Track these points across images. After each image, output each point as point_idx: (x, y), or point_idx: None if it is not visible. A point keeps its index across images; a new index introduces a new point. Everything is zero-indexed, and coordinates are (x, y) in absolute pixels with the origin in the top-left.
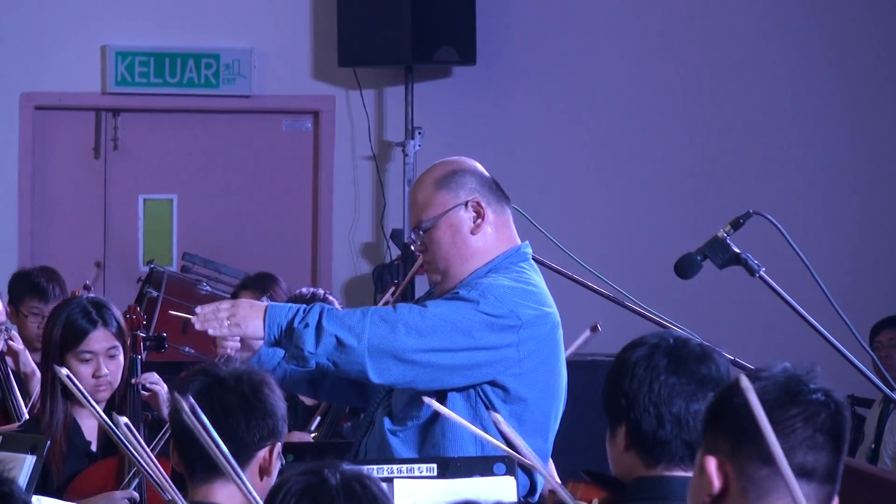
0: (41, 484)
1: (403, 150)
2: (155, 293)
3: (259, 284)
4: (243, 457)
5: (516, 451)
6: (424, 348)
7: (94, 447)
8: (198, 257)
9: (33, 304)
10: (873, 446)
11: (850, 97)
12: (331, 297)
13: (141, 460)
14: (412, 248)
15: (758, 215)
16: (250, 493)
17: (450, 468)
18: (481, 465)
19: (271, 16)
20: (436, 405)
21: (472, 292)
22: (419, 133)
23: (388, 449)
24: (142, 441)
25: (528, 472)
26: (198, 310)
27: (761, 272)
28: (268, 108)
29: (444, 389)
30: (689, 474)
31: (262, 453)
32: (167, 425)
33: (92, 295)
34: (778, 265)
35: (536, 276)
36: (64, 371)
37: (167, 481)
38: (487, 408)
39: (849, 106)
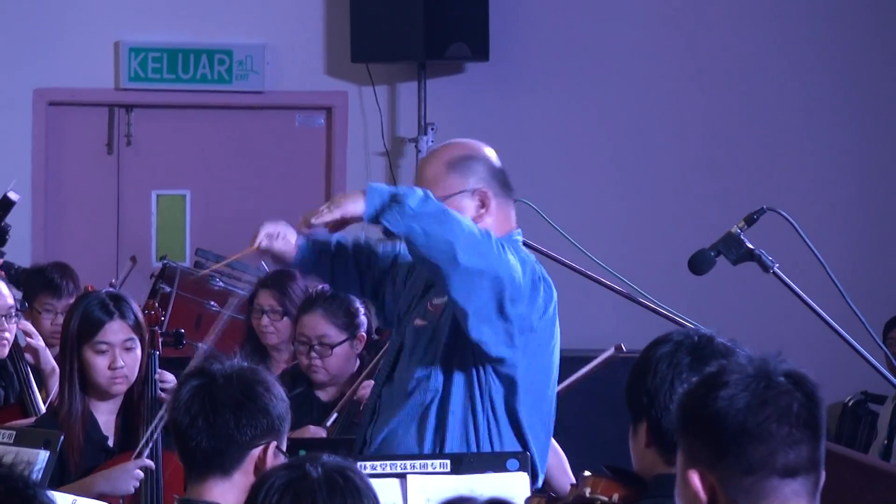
0: (58, 478)
1: (416, 147)
2: (168, 289)
3: (277, 282)
4: (235, 455)
5: None
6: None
7: (110, 442)
8: (210, 253)
9: (47, 301)
10: (886, 442)
11: (864, 94)
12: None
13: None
14: None
15: (772, 211)
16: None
17: (463, 464)
18: (494, 462)
19: (284, 12)
20: None
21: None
22: (432, 129)
23: (392, 438)
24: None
25: (532, 462)
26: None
27: (775, 268)
28: (280, 104)
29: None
30: None
31: (256, 452)
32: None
33: (111, 289)
34: (791, 261)
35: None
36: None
37: None
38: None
39: (863, 102)
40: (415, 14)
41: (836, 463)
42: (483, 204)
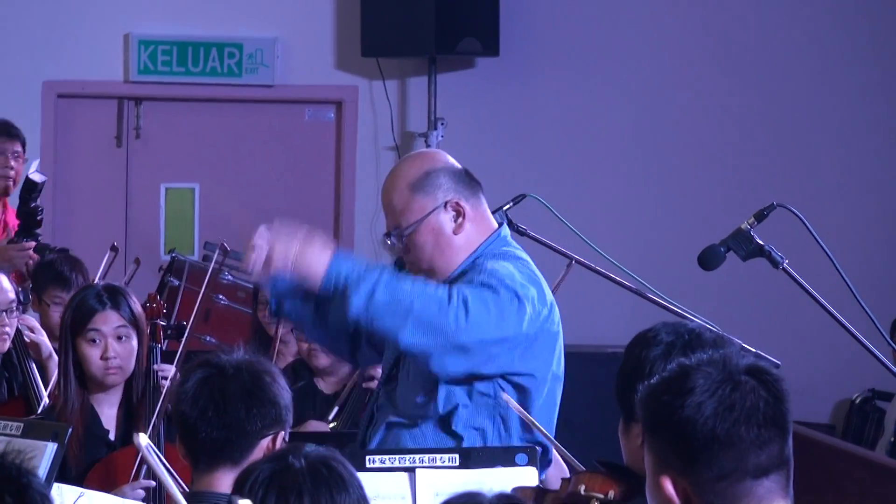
0: (59, 471)
1: (426, 141)
2: (176, 282)
3: None
4: (245, 445)
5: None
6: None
7: (112, 436)
8: (215, 245)
9: (56, 294)
10: (893, 439)
11: (876, 91)
12: None
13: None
14: (389, 249)
15: (781, 207)
16: None
17: (472, 458)
18: (503, 456)
19: (294, 5)
20: (513, 404)
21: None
22: (442, 124)
23: (395, 444)
24: (163, 459)
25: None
26: (266, 230)
27: (785, 264)
28: (290, 98)
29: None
30: None
31: (266, 442)
32: None
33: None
34: (801, 257)
35: (523, 254)
36: (143, 442)
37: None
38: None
39: (873, 99)
40: (425, 9)
41: (843, 460)
42: (458, 213)
